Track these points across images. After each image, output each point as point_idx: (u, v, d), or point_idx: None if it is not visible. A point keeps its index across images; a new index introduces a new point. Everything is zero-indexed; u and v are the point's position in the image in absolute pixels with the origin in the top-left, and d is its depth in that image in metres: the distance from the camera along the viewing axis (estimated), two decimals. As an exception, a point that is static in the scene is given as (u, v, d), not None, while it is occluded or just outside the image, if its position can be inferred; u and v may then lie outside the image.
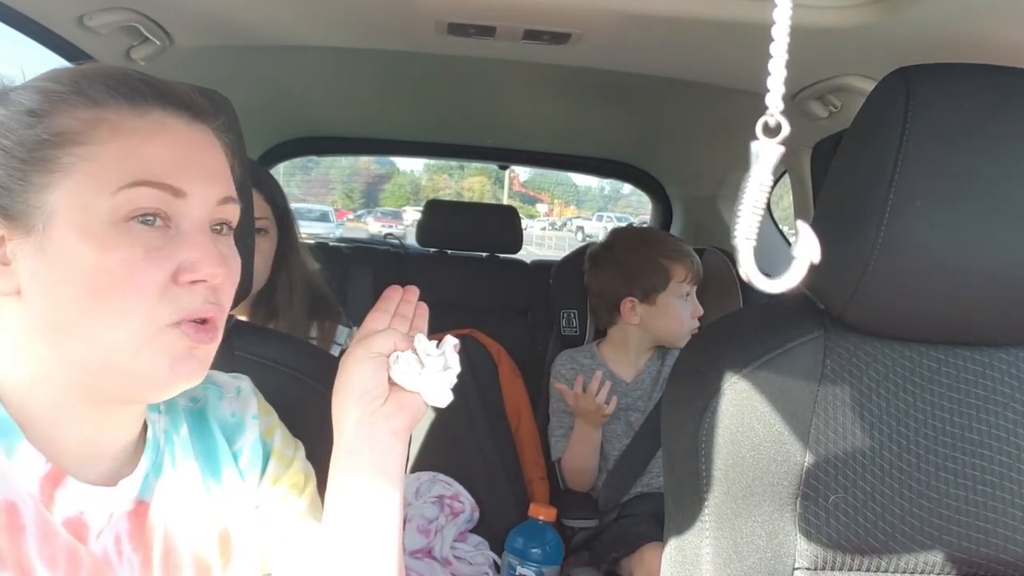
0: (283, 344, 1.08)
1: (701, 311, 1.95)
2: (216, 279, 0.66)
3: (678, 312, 1.94)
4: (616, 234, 2.11)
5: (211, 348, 0.68)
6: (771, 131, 0.35)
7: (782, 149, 0.35)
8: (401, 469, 0.78)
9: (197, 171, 0.67)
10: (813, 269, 0.95)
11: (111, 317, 0.62)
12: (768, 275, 0.39)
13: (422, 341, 0.79)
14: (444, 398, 0.79)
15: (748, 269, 0.37)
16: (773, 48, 0.33)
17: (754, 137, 0.38)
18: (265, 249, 1.65)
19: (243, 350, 1.02)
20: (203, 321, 0.66)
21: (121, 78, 0.66)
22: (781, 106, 0.34)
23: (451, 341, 0.80)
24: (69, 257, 0.61)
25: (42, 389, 0.64)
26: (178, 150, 0.66)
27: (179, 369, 0.65)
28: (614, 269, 1.97)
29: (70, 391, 0.65)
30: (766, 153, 0.35)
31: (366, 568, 0.77)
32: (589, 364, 1.98)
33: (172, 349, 0.64)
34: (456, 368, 0.79)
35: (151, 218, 0.63)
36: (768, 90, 0.36)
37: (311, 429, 0.89)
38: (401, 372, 0.77)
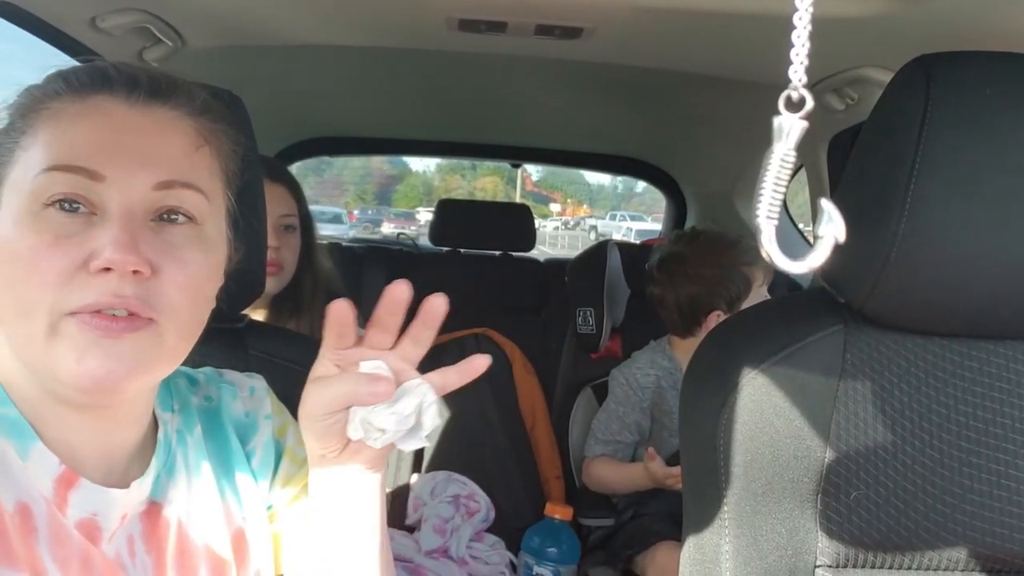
0: (297, 343, 1.07)
1: None
2: (125, 266, 0.59)
3: None
4: (685, 244, 1.96)
5: (126, 344, 0.61)
6: (794, 105, 0.34)
7: (805, 124, 0.34)
8: (370, 499, 0.73)
9: (125, 154, 0.63)
10: (833, 262, 0.93)
11: (20, 305, 0.59)
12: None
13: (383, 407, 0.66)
14: (412, 446, 0.68)
15: (770, 248, 0.36)
16: (796, 18, 0.32)
17: (770, 131, 0.37)
18: (294, 245, 1.65)
19: (256, 349, 1.02)
20: (131, 314, 0.61)
21: (84, 68, 0.66)
22: (804, 79, 0.33)
23: (424, 395, 0.68)
24: (2, 248, 0.61)
25: (28, 387, 0.64)
26: (105, 133, 0.63)
27: (86, 364, 0.60)
28: (693, 282, 1.87)
29: (43, 390, 0.63)
30: (789, 128, 0.34)
31: None
32: (669, 367, 1.92)
33: (76, 340, 0.59)
34: (428, 425, 0.68)
35: (73, 205, 0.60)
36: (788, 80, 0.35)
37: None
38: (355, 430, 0.67)
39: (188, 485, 0.74)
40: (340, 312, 0.67)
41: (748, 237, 1.90)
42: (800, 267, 0.36)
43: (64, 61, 0.70)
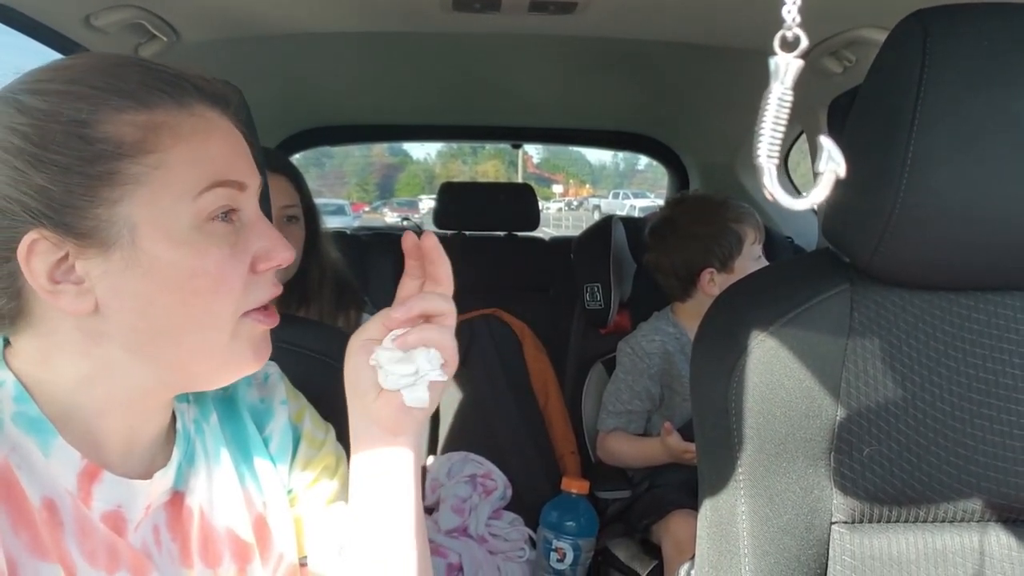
0: (308, 329, 1.08)
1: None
2: (287, 262, 0.69)
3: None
4: (675, 208, 2.03)
5: (275, 325, 0.72)
6: (788, 44, 0.34)
7: (801, 62, 0.35)
8: (406, 465, 0.73)
9: (246, 162, 0.69)
10: (837, 222, 0.93)
11: (205, 317, 0.64)
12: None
13: (387, 345, 0.70)
14: (418, 400, 0.70)
15: (772, 187, 0.37)
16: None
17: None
18: (297, 236, 1.66)
19: (278, 339, 1.02)
20: (265, 305, 0.70)
21: (158, 74, 0.65)
22: (798, 19, 0.33)
23: (423, 350, 0.70)
24: (163, 267, 0.62)
25: (97, 388, 0.65)
26: (230, 144, 0.67)
27: (261, 353, 0.70)
28: (686, 242, 1.91)
29: (136, 386, 0.66)
30: (785, 67, 0.35)
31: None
32: (674, 333, 1.94)
33: (252, 336, 0.69)
34: (429, 374, 0.70)
35: (225, 215, 0.65)
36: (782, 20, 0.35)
37: (340, 411, 0.90)
38: (381, 377, 0.70)
39: (209, 473, 0.75)
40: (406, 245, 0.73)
41: (732, 201, 1.94)
42: (802, 203, 0.37)
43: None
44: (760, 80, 0.41)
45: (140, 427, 0.69)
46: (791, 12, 0.33)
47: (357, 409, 0.73)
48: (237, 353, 0.68)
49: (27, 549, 0.58)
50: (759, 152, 0.36)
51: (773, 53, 0.37)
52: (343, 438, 0.87)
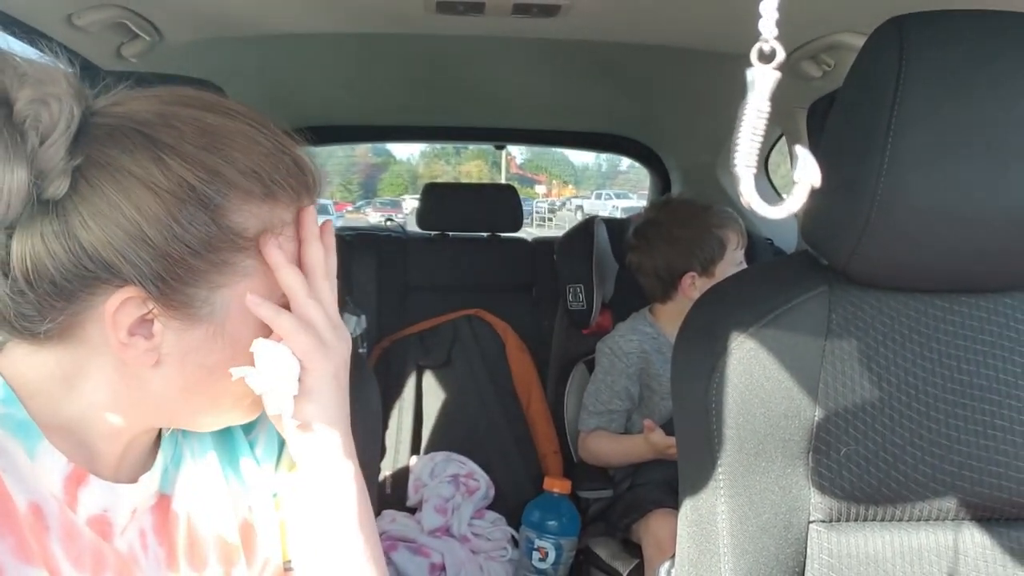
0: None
1: None
2: None
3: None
4: (660, 210, 2.04)
5: None
6: (766, 57, 0.35)
7: (778, 74, 0.36)
8: (338, 488, 0.72)
9: None
10: (815, 225, 0.94)
11: (229, 400, 0.69)
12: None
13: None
14: (273, 408, 0.69)
15: (749, 196, 0.37)
16: (766, -33, 0.33)
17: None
18: None
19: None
20: None
21: (286, 162, 0.65)
22: (775, 32, 0.34)
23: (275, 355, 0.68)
24: (241, 343, 0.65)
25: (109, 418, 0.66)
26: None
27: (252, 415, 0.74)
28: (669, 245, 1.92)
29: (147, 422, 0.69)
30: (762, 79, 0.36)
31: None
32: (651, 332, 1.95)
33: (251, 406, 0.72)
34: (279, 382, 0.68)
35: None
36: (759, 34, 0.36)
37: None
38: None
39: (195, 476, 0.75)
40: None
41: (714, 205, 1.95)
42: (778, 212, 0.38)
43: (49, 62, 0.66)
44: (740, 83, 0.42)
45: (134, 442, 0.69)
46: (768, 25, 0.34)
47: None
48: (231, 414, 0.72)
49: (12, 553, 0.58)
50: (736, 161, 0.36)
51: (751, 65, 0.37)
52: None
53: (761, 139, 0.37)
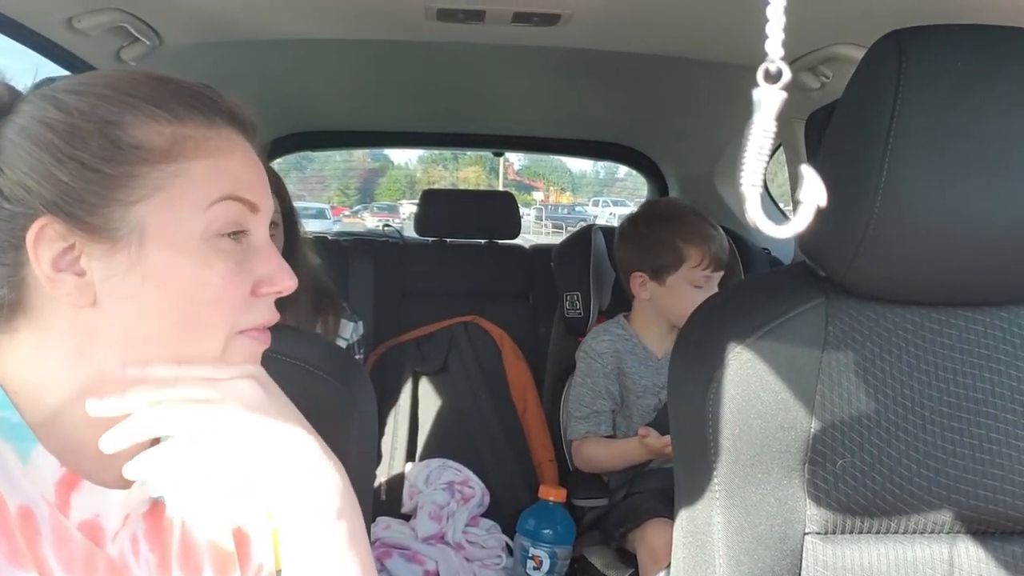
0: (292, 337, 1.08)
1: None
2: (290, 290, 0.70)
3: (687, 296, 1.85)
4: (646, 206, 2.07)
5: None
6: (772, 77, 0.35)
7: (784, 94, 0.36)
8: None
9: (263, 187, 0.70)
10: (813, 237, 0.95)
11: (201, 328, 0.65)
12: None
13: None
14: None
15: (755, 215, 0.38)
16: (770, -4, 0.34)
17: (749, 112, 0.39)
18: (277, 242, 1.65)
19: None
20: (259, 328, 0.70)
21: (193, 92, 0.66)
22: (782, 52, 0.34)
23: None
24: (167, 273, 0.62)
25: (83, 394, 0.64)
26: (250, 166, 0.68)
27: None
28: (632, 242, 1.94)
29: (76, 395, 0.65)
30: (768, 99, 0.36)
31: None
32: (623, 335, 1.96)
33: (244, 354, 0.69)
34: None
35: (235, 233, 0.66)
36: (767, 53, 0.36)
37: (321, 421, 0.89)
38: None
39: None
40: None
41: (699, 218, 1.92)
42: (783, 232, 0.38)
43: (41, 63, 0.70)
44: (738, 92, 0.42)
45: None
46: (774, 46, 0.34)
47: None
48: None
49: (4, 557, 0.58)
50: (742, 181, 0.37)
51: (755, 68, 0.38)
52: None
53: (767, 159, 0.37)
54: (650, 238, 1.90)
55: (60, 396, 0.64)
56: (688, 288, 1.87)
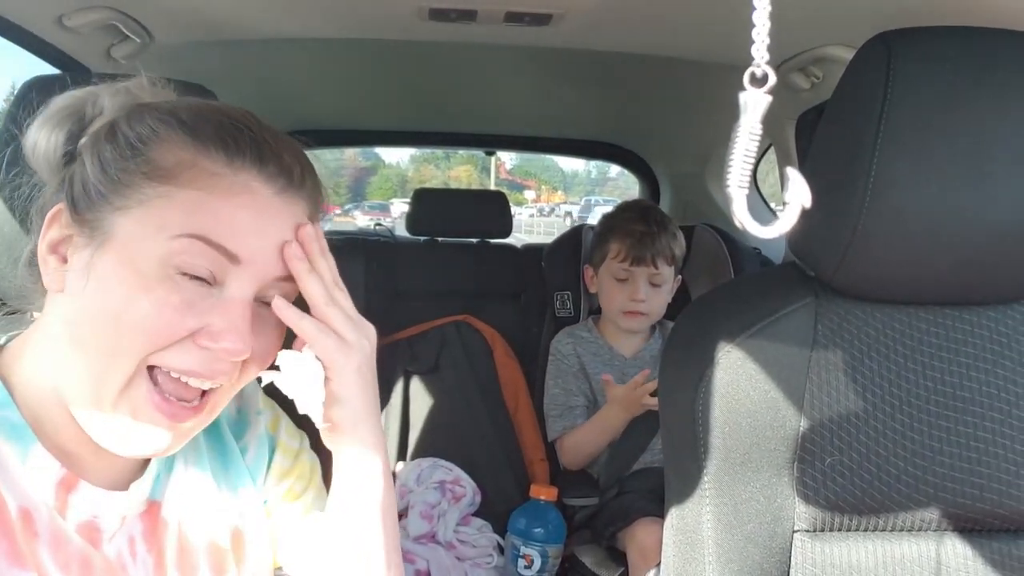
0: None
1: (640, 296, 1.91)
2: (233, 356, 0.64)
3: (609, 289, 1.96)
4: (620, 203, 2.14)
5: (180, 429, 0.66)
6: (758, 81, 0.36)
7: (769, 98, 0.36)
8: (351, 464, 0.76)
9: (266, 243, 0.65)
10: (802, 237, 0.95)
11: (113, 348, 0.61)
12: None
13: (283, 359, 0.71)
14: (304, 407, 0.71)
15: (742, 216, 0.38)
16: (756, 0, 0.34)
17: (739, 113, 0.39)
18: None
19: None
20: (196, 405, 0.65)
21: (236, 125, 0.65)
22: (767, 56, 0.35)
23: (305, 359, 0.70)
24: (108, 282, 0.61)
25: (61, 389, 0.64)
26: (255, 218, 0.64)
27: (139, 435, 0.64)
28: (592, 238, 2.05)
29: (84, 389, 0.64)
30: (754, 102, 0.36)
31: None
32: (587, 337, 1.99)
33: (141, 412, 0.63)
34: (306, 384, 0.70)
35: (197, 279, 0.62)
36: (752, 58, 0.37)
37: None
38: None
39: (186, 484, 0.74)
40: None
41: (637, 216, 1.96)
42: (769, 232, 0.38)
43: (32, 62, 0.70)
44: (729, 93, 0.42)
45: None
46: (760, 50, 0.35)
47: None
48: (117, 411, 0.63)
49: (5, 557, 0.58)
50: (729, 182, 0.37)
51: (745, 69, 0.38)
52: (316, 446, 0.88)
53: (753, 161, 0.37)
54: (599, 232, 2.02)
55: (44, 392, 0.64)
56: (610, 281, 1.94)
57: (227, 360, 0.64)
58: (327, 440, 0.75)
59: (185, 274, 0.61)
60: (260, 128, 0.66)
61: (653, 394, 1.78)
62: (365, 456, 0.75)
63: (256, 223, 0.64)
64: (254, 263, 0.64)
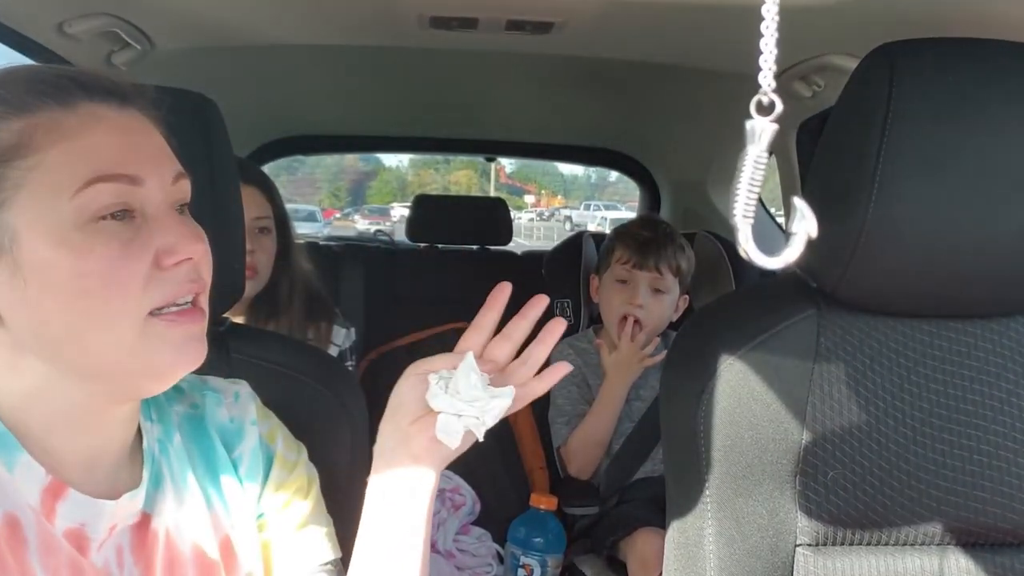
0: (281, 345, 1.07)
1: (639, 300, 1.90)
2: (197, 255, 0.66)
3: (608, 293, 1.95)
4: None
5: (203, 326, 0.68)
6: (764, 109, 0.36)
7: (776, 127, 0.36)
8: (422, 491, 0.74)
9: (144, 155, 0.65)
10: (805, 248, 0.95)
11: (100, 319, 0.61)
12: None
13: (467, 367, 0.72)
14: (448, 434, 0.71)
15: (748, 247, 0.38)
16: (763, 27, 0.34)
17: (741, 119, 0.39)
18: (269, 248, 1.65)
19: (240, 352, 1.01)
20: (191, 303, 0.66)
21: (41, 77, 0.63)
22: (774, 84, 0.34)
23: (487, 395, 0.72)
24: (46, 270, 0.60)
25: (41, 402, 0.64)
26: (119, 138, 0.64)
27: (185, 354, 0.66)
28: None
29: (71, 399, 0.64)
30: (761, 131, 0.36)
31: None
32: (588, 349, 1.98)
33: (166, 337, 0.64)
34: (472, 417, 0.71)
35: (119, 213, 0.62)
36: (758, 68, 0.37)
37: (312, 430, 0.89)
38: (432, 393, 0.72)
39: (175, 495, 0.74)
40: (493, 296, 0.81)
41: (644, 227, 1.97)
42: (775, 263, 0.38)
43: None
44: (729, 100, 0.42)
45: (100, 445, 0.68)
46: (767, 78, 0.34)
47: (390, 426, 0.75)
48: (153, 356, 0.64)
49: None
50: (735, 212, 0.37)
51: (745, 76, 0.38)
52: (314, 458, 0.87)
53: (759, 190, 0.37)
54: (603, 244, 2.03)
55: (16, 407, 0.64)
56: (612, 285, 1.94)
57: (191, 267, 0.66)
58: (400, 453, 0.74)
59: (104, 217, 0.61)
60: (56, 67, 0.66)
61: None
62: (425, 492, 0.75)
63: (132, 138, 0.65)
64: (150, 176, 0.64)
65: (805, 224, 0.38)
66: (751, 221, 0.37)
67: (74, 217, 0.60)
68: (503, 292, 0.80)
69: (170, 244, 0.63)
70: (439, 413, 0.71)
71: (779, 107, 0.35)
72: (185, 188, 0.69)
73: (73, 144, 0.61)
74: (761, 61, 0.34)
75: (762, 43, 0.34)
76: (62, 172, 0.60)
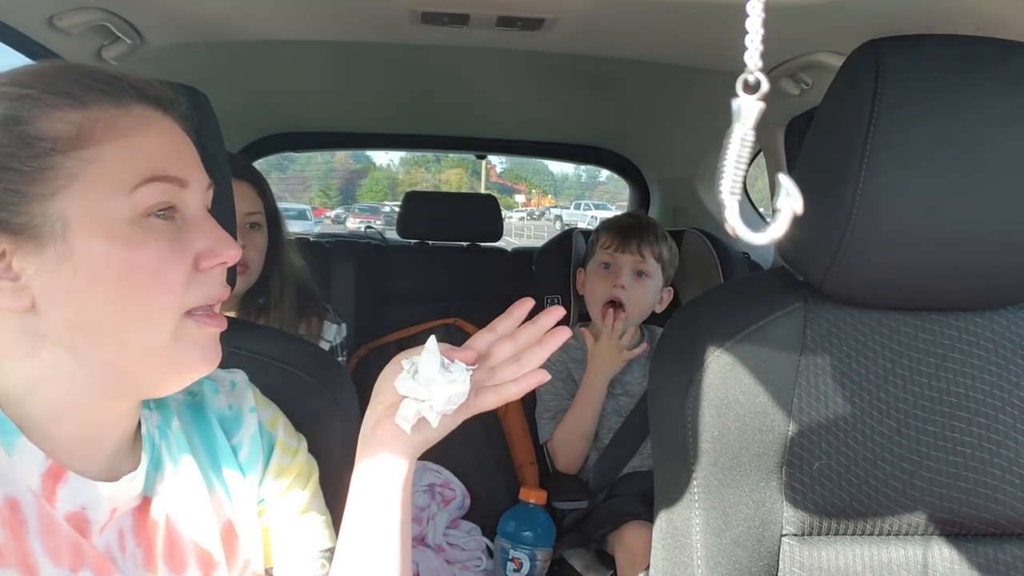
0: (275, 339, 1.07)
1: (622, 282, 1.91)
2: (232, 259, 0.68)
3: (592, 281, 1.97)
4: None
5: (222, 330, 0.71)
6: (751, 88, 0.36)
7: (762, 105, 0.37)
8: (393, 478, 0.76)
9: (188, 161, 0.69)
10: (792, 242, 0.96)
11: (143, 313, 0.64)
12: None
13: (428, 351, 0.73)
14: (403, 419, 0.73)
15: (734, 222, 0.39)
16: (749, 7, 0.34)
17: (730, 118, 0.39)
18: (260, 244, 1.65)
19: (234, 346, 1.01)
20: (212, 307, 0.69)
21: (96, 75, 0.65)
22: (760, 63, 0.35)
23: (450, 381, 0.73)
24: (97, 261, 0.61)
25: (48, 391, 0.64)
26: (170, 142, 0.67)
27: (209, 356, 0.69)
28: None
29: (82, 391, 0.65)
30: (747, 109, 0.37)
31: None
32: (574, 344, 2.00)
33: (197, 338, 0.67)
34: (433, 397, 0.72)
35: (164, 212, 0.65)
36: (745, 66, 0.37)
37: (307, 423, 0.90)
38: (399, 378, 0.73)
39: (175, 480, 0.74)
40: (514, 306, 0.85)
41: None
42: (761, 238, 0.39)
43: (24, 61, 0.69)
44: (719, 99, 0.43)
45: (100, 435, 0.69)
46: (753, 57, 0.35)
47: (369, 413, 0.77)
48: (181, 354, 0.67)
49: None
50: (721, 189, 0.38)
51: (736, 75, 0.39)
52: (311, 449, 0.88)
53: (746, 168, 0.38)
54: (589, 239, 2.06)
55: (21, 396, 0.64)
56: (596, 271, 1.97)
57: (223, 272, 0.70)
58: (372, 439, 0.76)
59: (155, 216, 0.64)
60: (107, 68, 0.68)
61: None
62: (393, 480, 0.77)
63: (177, 145, 0.68)
64: (193, 181, 0.68)
65: (790, 201, 0.38)
66: (737, 198, 0.38)
67: (129, 212, 0.62)
68: (523, 307, 0.84)
69: (210, 247, 0.67)
70: (403, 398, 0.73)
71: (765, 86, 0.36)
72: (211, 196, 0.72)
73: (131, 142, 0.64)
74: (747, 41, 0.35)
75: (748, 23, 0.35)
76: (121, 168, 0.62)
